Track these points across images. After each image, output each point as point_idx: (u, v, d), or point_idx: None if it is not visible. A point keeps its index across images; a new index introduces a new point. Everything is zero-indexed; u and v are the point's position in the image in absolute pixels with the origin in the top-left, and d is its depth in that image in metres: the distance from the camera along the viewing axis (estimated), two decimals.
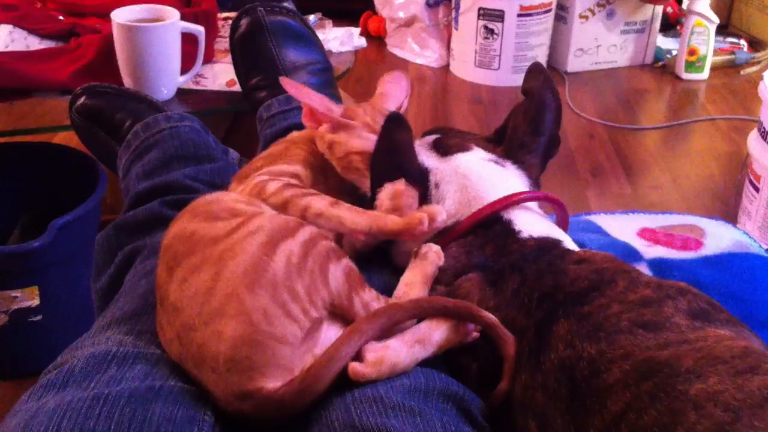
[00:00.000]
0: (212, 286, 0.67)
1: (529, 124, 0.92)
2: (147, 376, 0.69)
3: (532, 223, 0.85)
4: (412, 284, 0.79)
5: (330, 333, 0.71)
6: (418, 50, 2.75)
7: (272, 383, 0.66)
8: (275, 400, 0.65)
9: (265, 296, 0.66)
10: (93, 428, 0.61)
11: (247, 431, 0.68)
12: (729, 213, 1.88)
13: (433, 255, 0.81)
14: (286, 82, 0.90)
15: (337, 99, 1.27)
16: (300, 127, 1.12)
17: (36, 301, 1.42)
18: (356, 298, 0.72)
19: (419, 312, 0.73)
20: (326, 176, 0.90)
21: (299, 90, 0.90)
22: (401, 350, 0.70)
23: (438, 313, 0.73)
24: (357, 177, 0.89)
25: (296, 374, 0.67)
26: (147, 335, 0.77)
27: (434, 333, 0.72)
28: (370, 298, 0.74)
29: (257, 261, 0.68)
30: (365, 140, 0.89)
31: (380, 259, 0.89)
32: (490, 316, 0.73)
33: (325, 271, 0.70)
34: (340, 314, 0.72)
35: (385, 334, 0.71)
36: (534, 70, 0.95)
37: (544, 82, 0.93)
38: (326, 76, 1.29)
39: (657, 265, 1.04)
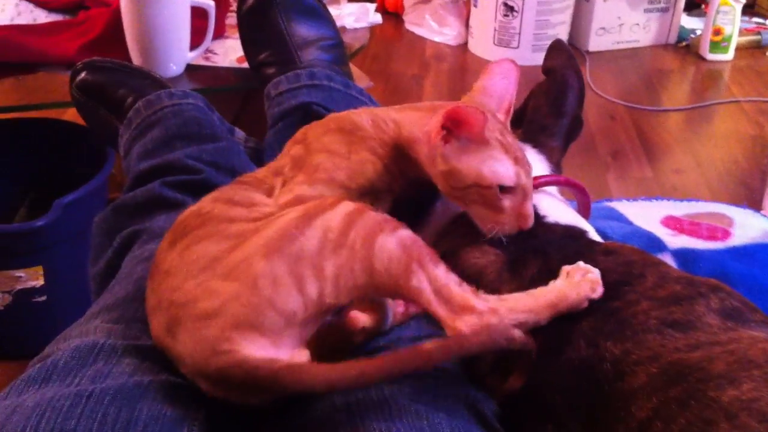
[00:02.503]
0: (221, 255, 0.62)
1: (551, 105, 0.88)
2: (135, 371, 0.65)
3: (557, 209, 0.81)
4: (533, 297, 0.67)
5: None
6: (436, 27, 2.71)
7: (250, 349, 0.60)
8: (248, 368, 0.59)
9: (281, 266, 0.61)
10: (74, 429, 0.57)
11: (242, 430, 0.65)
12: (754, 199, 1.83)
13: (587, 283, 0.67)
14: None
15: (349, 77, 1.23)
16: (308, 107, 1.08)
17: (40, 281, 1.40)
18: (419, 273, 0.63)
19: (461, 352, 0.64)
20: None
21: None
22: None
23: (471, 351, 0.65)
24: (476, 211, 0.76)
25: (279, 354, 0.61)
26: (138, 324, 0.72)
27: None
28: (445, 278, 0.64)
29: (284, 233, 0.62)
30: (501, 167, 0.73)
31: None
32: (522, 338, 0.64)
33: (370, 243, 0.62)
34: (388, 293, 0.65)
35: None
36: (556, 47, 0.91)
37: (566, 60, 0.89)
38: (338, 52, 1.26)
39: (682, 255, 1.00)
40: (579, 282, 0.67)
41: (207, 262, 0.63)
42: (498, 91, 0.79)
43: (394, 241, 0.63)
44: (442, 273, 0.64)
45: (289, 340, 0.62)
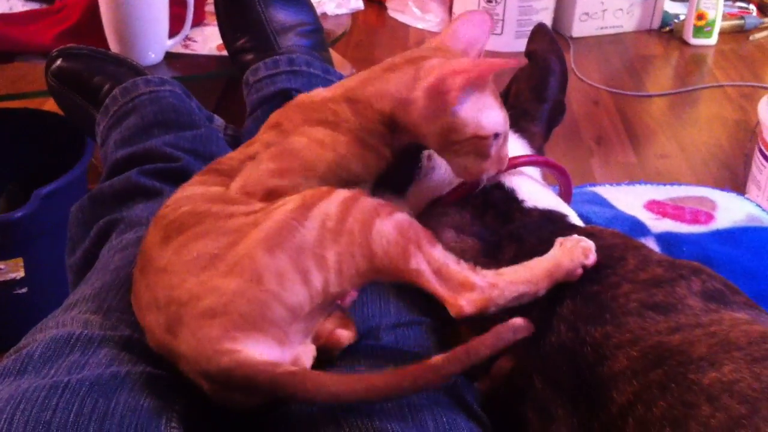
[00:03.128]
0: (220, 253, 0.61)
1: (533, 90, 0.87)
2: (112, 361, 0.64)
3: (536, 193, 0.80)
4: (529, 268, 0.66)
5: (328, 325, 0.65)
6: (419, 14, 2.69)
7: (254, 348, 0.58)
8: (248, 371, 0.58)
9: (285, 259, 0.59)
10: (49, 420, 0.56)
11: (221, 422, 0.63)
12: (738, 182, 1.84)
13: (579, 249, 0.67)
14: None
15: (329, 62, 1.22)
16: (287, 93, 1.06)
17: (21, 273, 1.39)
18: (417, 255, 0.62)
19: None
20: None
21: None
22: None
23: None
24: (464, 161, 0.74)
25: (285, 352, 0.60)
26: (116, 313, 0.71)
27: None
28: (443, 257, 0.63)
29: (284, 225, 0.61)
30: (496, 115, 0.72)
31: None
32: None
33: (368, 229, 0.61)
34: (389, 276, 0.63)
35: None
36: (538, 31, 0.90)
37: (549, 44, 0.88)
38: (317, 38, 1.24)
39: (665, 239, 0.99)
40: (572, 248, 0.67)
41: (207, 260, 0.61)
42: (468, 38, 0.77)
43: (391, 225, 0.62)
44: (440, 253, 0.63)
45: (295, 336, 0.61)
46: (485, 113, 0.71)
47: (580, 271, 0.66)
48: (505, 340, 0.61)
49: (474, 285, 0.63)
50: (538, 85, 0.87)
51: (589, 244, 0.67)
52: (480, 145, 0.72)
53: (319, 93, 0.76)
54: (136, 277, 0.67)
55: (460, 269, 0.63)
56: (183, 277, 0.61)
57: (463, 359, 0.60)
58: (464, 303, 0.62)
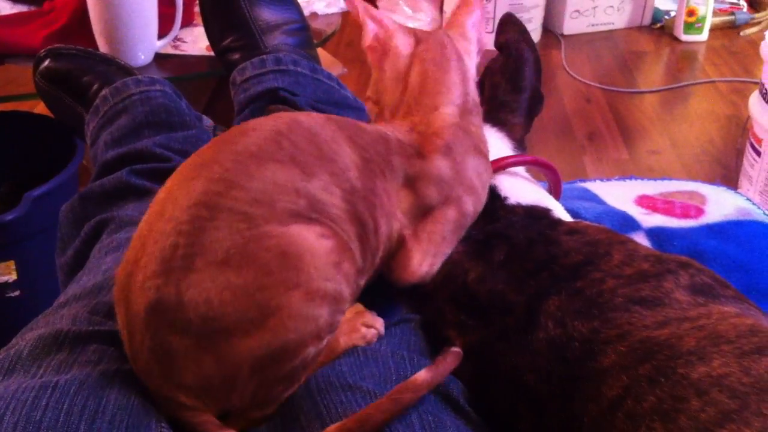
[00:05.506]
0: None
1: (509, 81, 0.87)
2: (101, 358, 0.63)
3: (519, 188, 0.79)
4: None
5: None
6: (410, 13, 2.69)
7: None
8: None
9: None
10: (40, 420, 0.55)
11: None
12: (729, 177, 1.84)
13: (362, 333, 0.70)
14: None
15: (316, 60, 1.21)
16: (275, 93, 1.06)
17: (13, 276, 1.38)
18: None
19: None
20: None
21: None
22: None
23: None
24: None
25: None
26: (105, 308, 0.71)
27: None
28: None
29: None
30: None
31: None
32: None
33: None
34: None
35: None
36: (506, 21, 0.89)
37: (519, 34, 0.88)
38: (303, 36, 1.24)
39: (656, 234, 0.99)
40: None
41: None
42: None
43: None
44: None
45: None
46: None
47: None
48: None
49: None
50: (513, 76, 0.87)
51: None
52: None
53: None
54: (129, 255, 0.63)
55: None
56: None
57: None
58: None
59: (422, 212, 0.71)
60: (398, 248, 0.70)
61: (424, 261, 0.70)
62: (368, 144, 0.67)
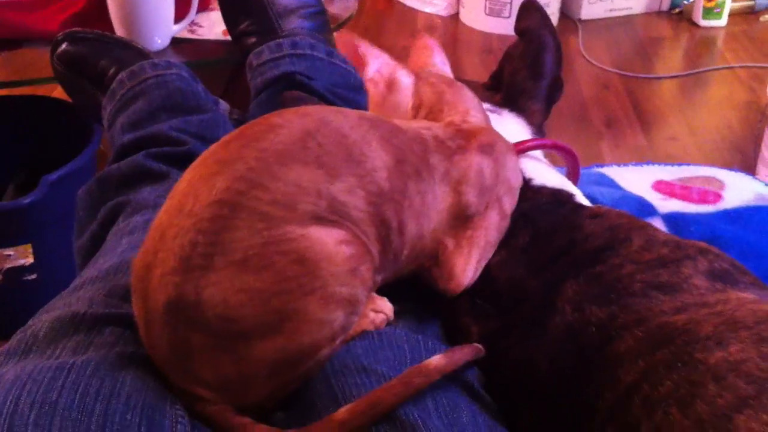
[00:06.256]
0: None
1: (529, 67, 0.86)
2: (118, 340, 0.64)
3: (543, 172, 0.79)
4: None
5: None
6: None
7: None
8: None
9: None
10: (55, 401, 0.55)
11: None
12: (748, 164, 1.82)
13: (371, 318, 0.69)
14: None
15: (332, 45, 1.21)
16: (291, 77, 1.06)
17: (30, 260, 1.39)
18: None
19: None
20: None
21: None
22: None
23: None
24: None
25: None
26: (122, 291, 0.70)
27: None
28: None
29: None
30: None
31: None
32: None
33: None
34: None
35: None
36: (527, 7, 0.89)
37: (540, 20, 0.87)
38: (320, 20, 1.24)
39: (673, 219, 0.99)
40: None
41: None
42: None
43: None
44: None
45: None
46: None
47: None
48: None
49: None
50: (534, 63, 0.87)
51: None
52: None
53: None
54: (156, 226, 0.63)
55: None
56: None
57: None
58: None
59: (463, 213, 0.70)
60: (440, 258, 0.70)
61: (468, 268, 0.71)
62: (403, 144, 0.66)
